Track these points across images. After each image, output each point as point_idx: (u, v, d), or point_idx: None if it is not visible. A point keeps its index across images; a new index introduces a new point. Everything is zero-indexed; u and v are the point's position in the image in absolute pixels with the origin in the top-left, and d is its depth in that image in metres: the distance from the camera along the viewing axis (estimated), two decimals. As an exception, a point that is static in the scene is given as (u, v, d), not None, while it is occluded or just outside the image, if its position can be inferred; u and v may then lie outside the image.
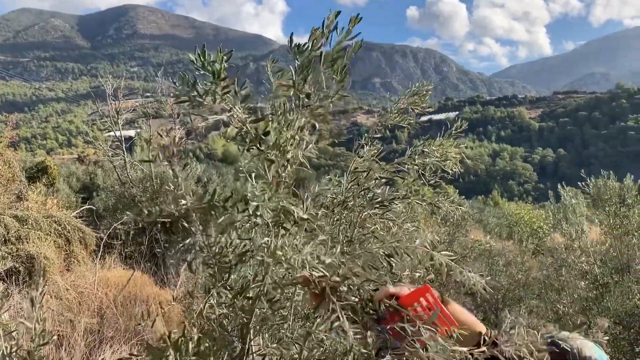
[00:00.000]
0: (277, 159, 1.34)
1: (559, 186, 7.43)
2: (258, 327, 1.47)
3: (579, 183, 7.07)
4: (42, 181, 15.86)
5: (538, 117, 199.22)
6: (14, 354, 1.62)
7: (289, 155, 1.37)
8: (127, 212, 11.09)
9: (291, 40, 1.29)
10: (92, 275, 7.53)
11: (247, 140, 1.37)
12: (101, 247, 8.62)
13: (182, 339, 1.21)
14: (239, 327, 1.47)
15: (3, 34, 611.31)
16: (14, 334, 1.67)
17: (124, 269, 8.66)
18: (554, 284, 8.06)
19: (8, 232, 7.46)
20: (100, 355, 5.69)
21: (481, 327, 1.46)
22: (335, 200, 1.90)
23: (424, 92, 1.93)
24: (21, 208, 8.85)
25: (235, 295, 1.38)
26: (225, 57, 1.27)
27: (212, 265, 1.42)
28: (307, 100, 1.31)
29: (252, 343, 1.50)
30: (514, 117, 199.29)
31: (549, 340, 1.64)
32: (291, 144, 1.34)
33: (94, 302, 6.65)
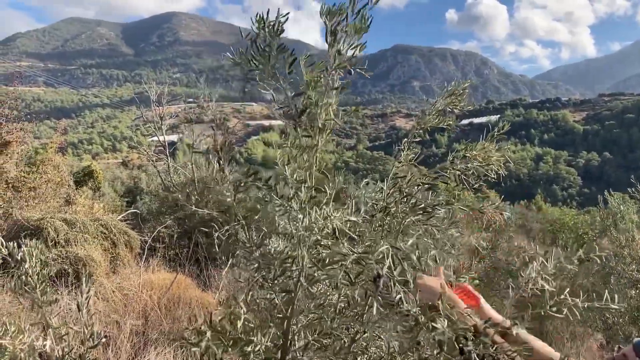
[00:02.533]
0: (314, 135, 1.38)
1: (606, 192, 7.20)
2: (297, 318, 1.48)
3: (628, 189, 6.84)
4: (89, 185, 16.32)
5: (582, 120, 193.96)
6: (67, 356, 1.66)
7: (320, 123, 1.41)
8: (171, 216, 11.31)
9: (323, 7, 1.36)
10: (137, 277, 7.68)
11: (288, 117, 1.43)
12: (145, 250, 8.80)
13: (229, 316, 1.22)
14: (280, 319, 1.48)
15: (52, 43, 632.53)
16: (64, 337, 1.72)
17: (167, 271, 8.81)
18: (601, 292, 7.79)
19: (58, 235, 7.69)
20: (145, 357, 5.80)
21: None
22: (377, 206, 1.88)
23: (461, 92, 1.90)
24: (70, 211, 9.11)
25: (276, 277, 1.39)
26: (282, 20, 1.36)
27: (255, 261, 1.43)
28: (338, 56, 1.38)
29: (293, 332, 1.51)
30: (558, 120, 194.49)
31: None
32: (325, 113, 1.40)
33: (139, 304, 6.77)
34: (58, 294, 6.52)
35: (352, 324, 1.79)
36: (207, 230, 10.60)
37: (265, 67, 1.47)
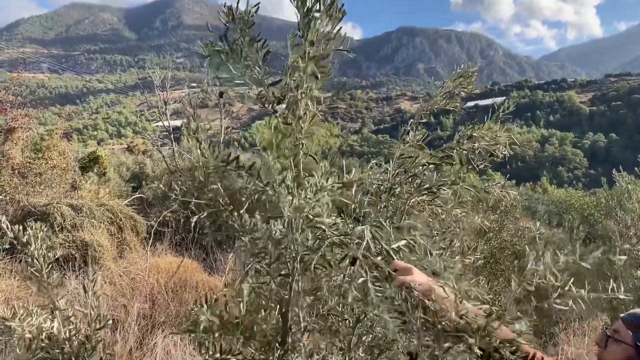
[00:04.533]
0: (293, 122, 1.37)
1: (614, 171, 7.15)
2: (295, 301, 1.48)
3: (635, 168, 6.79)
4: (94, 171, 16.35)
5: (589, 101, 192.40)
6: (74, 337, 1.67)
7: (301, 112, 1.40)
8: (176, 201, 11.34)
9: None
10: (143, 261, 7.74)
11: (265, 104, 1.43)
12: (152, 234, 8.85)
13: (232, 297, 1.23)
14: (278, 303, 1.48)
15: (56, 29, 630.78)
16: (72, 319, 1.73)
17: (174, 255, 8.86)
18: (607, 273, 7.80)
19: (64, 220, 7.74)
20: (152, 340, 5.86)
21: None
22: (381, 187, 1.88)
23: (470, 74, 1.89)
24: (76, 197, 9.16)
25: (271, 263, 1.39)
26: (253, 10, 1.33)
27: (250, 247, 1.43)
28: (311, 47, 1.35)
29: (292, 317, 1.51)
30: (564, 102, 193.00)
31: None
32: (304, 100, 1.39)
33: (146, 287, 6.83)
34: (65, 278, 6.58)
35: (356, 304, 1.79)
36: (212, 213, 10.63)
37: (236, 60, 1.45)
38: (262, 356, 1.43)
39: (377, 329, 1.98)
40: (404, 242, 1.35)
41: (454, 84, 1.91)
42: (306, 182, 1.36)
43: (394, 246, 1.35)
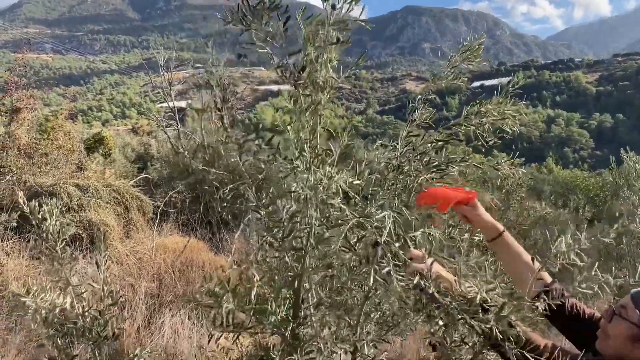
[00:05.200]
0: (315, 93, 1.38)
1: (622, 150, 7.12)
2: (308, 276, 1.50)
3: (642, 149, 6.77)
4: (99, 152, 16.38)
5: (595, 81, 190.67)
6: (87, 313, 1.70)
7: (321, 80, 1.40)
8: (182, 182, 11.39)
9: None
10: (150, 241, 7.79)
11: (285, 74, 1.43)
12: (158, 214, 8.89)
13: (242, 284, 1.25)
14: (291, 277, 1.49)
15: (59, 9, 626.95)
16: (84, 295, 1.76)
17: (180, 235, 8.91)
18: (612, 253, 7.80)
19: (71, 201, 7.78)
20: (160, 319, 5.92)
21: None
22: (389, 166, 1.88)
23: (477, 47, 1.87)
24: (82, 177, 9.19)
25: (285, 237, 1.40)
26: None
27: (264, 220, 1.44)
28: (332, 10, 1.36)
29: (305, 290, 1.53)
30: (570, 82, 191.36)
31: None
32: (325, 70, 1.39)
33: (153, 267, 6.88)
34: (75, 256, 6.64)
35: (364, 281, 1.81)
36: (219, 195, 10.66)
37: (258, 26, 1.45)
38: (274, 330, 1.45)
39: (385, 306, 2.00)
40: (419, 232, 1.37)
41: (462, 57, 1.90)
42: (325, 158, 1.37)
43: (412, 235, 1.36)
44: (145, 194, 10.05)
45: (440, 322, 1.33)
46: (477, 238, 1.85)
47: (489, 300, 1.26)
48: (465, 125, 1.71)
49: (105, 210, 8.07)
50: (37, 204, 1.59)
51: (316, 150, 1.46)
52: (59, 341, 1.56)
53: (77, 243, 7.27)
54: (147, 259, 7.11)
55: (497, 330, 1.25)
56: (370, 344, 1.76)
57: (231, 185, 1.44)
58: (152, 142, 22.78)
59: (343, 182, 1.45)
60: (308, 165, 1.37)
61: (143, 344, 5.36)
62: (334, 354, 1.73)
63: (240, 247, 8.51)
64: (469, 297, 1.28)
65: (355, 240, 1.39)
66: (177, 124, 15.51)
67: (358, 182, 1.57)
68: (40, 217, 1.58)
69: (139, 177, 12.21)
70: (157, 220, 8.89)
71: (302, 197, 1.34)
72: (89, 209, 7.88)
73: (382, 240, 1.32)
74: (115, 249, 7.17)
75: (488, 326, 1.25)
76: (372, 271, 1.33)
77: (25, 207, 1.59)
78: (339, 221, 1.36)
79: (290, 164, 1.42)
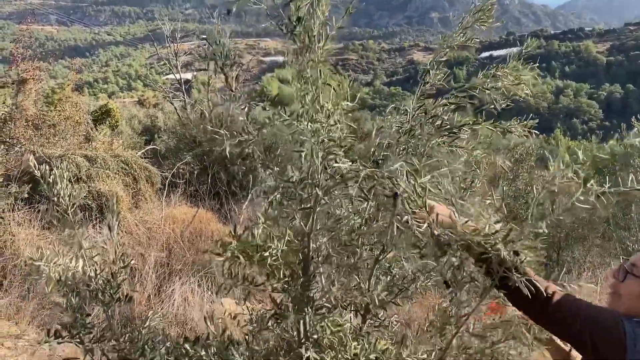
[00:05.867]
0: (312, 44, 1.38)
1: (633, 119, 7.03)
2: (316, 233, 1.51)
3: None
4: (106, 124, 16.38)
5: (606, 51, 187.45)
6: (99, 276, 1.72)
7: (315, 30, 1.40)
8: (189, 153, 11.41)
9: None
10: (159, 212, 7.85)
11: (283, 29, 1.43)
12: (166, 185, 8.94)
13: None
14: (300, 233, 1.50)
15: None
16: (95, 258, 1.77)
17: (188, 206, 8.97)
18: (620, 223, 7.81)
19: (80, 171, 7.82)
20: (170, 287, 6.00)
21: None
22: (401, 130, 1.87)
23: (489, 7, 1.84)
24: (90, 148, 9.22)
25: (294, 191, 1.41)
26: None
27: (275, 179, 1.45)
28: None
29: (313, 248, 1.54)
30: (580, 52, 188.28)
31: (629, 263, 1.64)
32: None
33: (162, 237, 6.95)
34: (86, 220, 6.72)
35: (374, 244, 1.82)
36: (226, 166, 10.71)
37: None
38: (285, 285, 1.46)
39: (394, 270, 2.01)
40: (427, 177, 1.37)
41: (474, 18, 1.86)
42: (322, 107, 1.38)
43: (422, 181, 1.36)
44: (153, 165, 10.08)
45: (453, 259, 1.35)
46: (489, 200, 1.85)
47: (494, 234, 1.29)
48: (480, 89, 1.69)
49: (113, 180, 8.12)
50: (47, 167, 1.59)
51: (318, 91, 1.46)
52: (72, 300, 1.58)
53: (87, 213, 7.33)
54: (156, 229, 7.17)
55: (504, 257, 1.27)
56: (380, 306, 1.78)
57: (239, 139, 1.44)
58: (158, 114, 22.75)
59: (345, 127, 1.47)
60: (309, 115, 1.38)
61: (154, 311, 5.44)
62: (344, 312, 1.75)
63: (248, 217, 8.56)
64: (475, 234, 1.30)
65: (367, 190, 1.40)
66: (183, 95, 15.50)
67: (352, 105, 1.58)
68: (51, 181, 1.59)
69: (146, 149, 12.24)
70: (166, 191, 8.94)
71: (307, 149, 1.34)
72: (97, 180, 7.93)
73: (401, 190, 1.33)
74: (124, 218, 7.23)
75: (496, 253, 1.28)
76: (394, 220, 1.34)
77: (36, 172, 1.60)
78: (349, 175, 1.36)
79: (294, 120, 1.42)
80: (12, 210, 6.56)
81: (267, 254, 1.26)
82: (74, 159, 7.95)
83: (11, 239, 6.01)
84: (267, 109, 1.57)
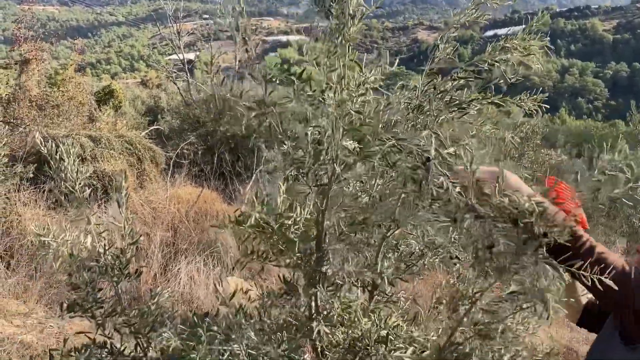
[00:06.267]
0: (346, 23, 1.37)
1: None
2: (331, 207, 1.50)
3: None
4: (109, 104, 16.35)
5: (613, 29, 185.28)
6: (108, 251, 1.72)
7: (351, 9, 1.40)
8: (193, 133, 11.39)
9: None
10: (163, 192, 7.86)
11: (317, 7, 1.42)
12: (171, 165, 8.94)
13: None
14: (315, 211, 1.49)
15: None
16: (104, 234, 1.77)
17: (193, 186, 8.97)
18: (626, 202, 7.76)
19: (84, 151, 7.82)
20: (176, 266, 6.03)
21: None
22: (409, 105, 1.85)
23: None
24: (94, 129, 9.21)
25: (309, 167, 1.40)
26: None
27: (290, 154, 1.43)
28: None
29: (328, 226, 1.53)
30: (586, 30, 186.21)
31: None
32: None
33: (167, 217, 6.96)
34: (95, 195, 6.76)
35: (383, 222, 1.81)
36: (230, 146, 10.70)
37: None
38: (298, 261, 1.46)
39: (402, 247, 2.01)
40: (452, 149, 1.36)
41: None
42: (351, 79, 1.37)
43: (448, 151, 1.35)
44: (157, 146, 10.07)
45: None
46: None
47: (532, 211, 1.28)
48: (489, 62, 1.66)
49: (118, 160, 8.12)
50: (54, 144, 1.58)
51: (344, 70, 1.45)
52: (85, 274, 1.58)
53: (92, 193, 7.34)
54: (161, 209, 7.18)
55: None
56: (387, 282, 1.78)
57: (257, 112, 1.42)
58: (161, 95, 22.70)
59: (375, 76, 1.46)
60: (335, 89, 1.37)
61: (162, 287, 5.47)
62: (354, 289, 1.76)
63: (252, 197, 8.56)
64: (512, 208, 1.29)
65: (394, 160, 1.39)
66: (186, 75, 15.43)
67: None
68: (58, 157, 1.58)
69: (150, 129, 12.23)
70: (170, 171, 8.94)
71: (328, 123, 1.33)
72: (102, 160, 7.93)
73: (432, 154, 1.32)
74: (129, 198, 7.25)
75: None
76: (429, 184, 1.32)
77: (42, 149, 1.59)
78: (371, 149, 1.35)
79: (319, 96, 1.41)
80: (18, 191, 6.58)
81: (289, 222, 1.25)
82: (78, 139, 7.95)
83: (17, 219, 6.04)
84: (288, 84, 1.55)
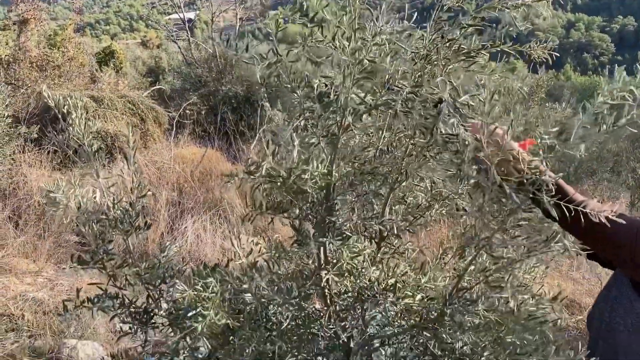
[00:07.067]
0: None
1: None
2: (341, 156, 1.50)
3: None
4: (110, 65, 16.19)
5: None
6: (117, 206, 1.73)
7: None
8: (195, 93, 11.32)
9: None
10: (167, 152, 7.85)
11: None
12: (174, 126, 8.90)
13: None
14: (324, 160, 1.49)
15: None
16: (111, 189, 1.78)
17: (197, 146, 8.96)
18: (630, 157, 7.76)
19: (87, 112, 7.79)
20: (183, 225, 6.08)
21: None
22: (417, 55, 1.82)
23: None
24: (96, 89, 9.14)
25: (319, 115, 1.39)
26: None
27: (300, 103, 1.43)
28: None
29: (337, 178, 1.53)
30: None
31: None
32: None
33: (172, 176, 6.97)
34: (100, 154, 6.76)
35: (390, 173, 1.81)
36: (233, 105, 10.63)
37: None
38: (307, 211, 1.47)
39: (409, 198, 2.01)
40: (467, 96, 1.35)
41: None
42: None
43: (464, 98, 1.35)
44: (159, 106, 10.02)
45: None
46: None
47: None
48: (499, 8, 1.62)
49: (121, 121, 8.09)
50: (60, 97, 1.57)
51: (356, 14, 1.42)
52: (94, 227, 1.60)
53: (96, 153, 7.34)
54: (166, 169, 7.18)
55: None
56: (395, 233, 1.79)
57: (269, 61, 1.40)
58: (162, 55, 22.42)
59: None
60: (347, 35, 1.35)
61: (171, 240, 5.54)
62: (361, 239, 1.77)
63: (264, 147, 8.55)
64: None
65: (410, 104, 1.38)
66: (187, 34, 15.22)
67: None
68: (65, 110, 1.57)
69: (152, 89, 12.14)
70: (174, 132, 8.92)
71: (340, 71, 1.31)
72: (105, 120, 7.91)
73: (446, 96, 1.32)
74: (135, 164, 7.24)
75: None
76: (440, 127, 1.32)
77: (50, 102, 1.58)
78: (385, 99, 1.34)
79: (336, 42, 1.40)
80: (23, 152, 6.59)
81: (306, 176, 1.25)
82: (81, 99, 7.90)
83: (23, 180, 6.07)
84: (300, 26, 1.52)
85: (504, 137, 1.30)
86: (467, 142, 1.30)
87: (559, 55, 1.87)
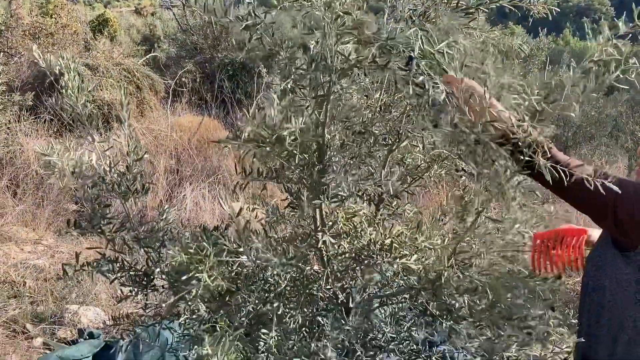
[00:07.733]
0: None
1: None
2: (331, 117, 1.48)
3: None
4: (104, 34, 15.97)
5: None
6: (114, 169, 1.72)
7: None
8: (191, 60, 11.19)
9: None
10: (164, 120, 7.80)
11: None
12: (170, 94, 8.83)
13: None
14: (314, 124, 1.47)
15: None
16: (107, 152, 1.76)
17: (194, 114, 8.91)
18: (630, 119, 7.76)
19: (82, 80, 7.71)
20: (181, 192, 6.09)
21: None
22: (414, 13, 1.80)
23: None
24: (90, 57, 9.02)
25: (308, 70, 1.37)
26: None
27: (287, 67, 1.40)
28: None
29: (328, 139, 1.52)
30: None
31: None
32: None
33: (170, 144, 6.95)
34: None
35: (386, 134, 1.80)
36: (229, 72, 10.51)
37: None
38: (301, 174, 1.46)
39: (408, 160, 2.01)
40: (444, 43, 1.33)
41: None
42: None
43: (440, 46, 1.32)
44: (155, 74, 9.92)
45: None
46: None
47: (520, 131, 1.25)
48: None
49: (116, 89, 8.02)
50: (51, 57, 1.55)
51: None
52: (89, 190, 1.59)
53: (92, 122, 7.30)
54: (163, 137, 7.16)
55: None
56: (393, 195, 1.79)
57: (247, 23, 1.36)
58: (157, 23, 22.11)
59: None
60: None
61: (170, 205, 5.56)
62: (359, 202, 1.77)
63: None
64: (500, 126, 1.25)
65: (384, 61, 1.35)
66: (181, 0, 14.97)
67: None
68: (57, 71, 1.55)
69: (147, 56, 12.00)
70: (170, 100, 8.85)
71: (320, 30, 1.29)
72: (100, 89, 7.83)
73: (416, 54, 1.30)
74: (130, 127, 7.22)
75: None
76: (410, 83, 1.30)
77: (41, 62, 1.56)
78: (361, 56, 1.31)
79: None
80: (19, 121, 6.54)
81: (285, 133, 1.23)
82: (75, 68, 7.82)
83: (20, 149, 6.05)
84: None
85: (484, 94, 1.26)
86: (426, 87, 1.28)
87: (559, 10, 1.84)
